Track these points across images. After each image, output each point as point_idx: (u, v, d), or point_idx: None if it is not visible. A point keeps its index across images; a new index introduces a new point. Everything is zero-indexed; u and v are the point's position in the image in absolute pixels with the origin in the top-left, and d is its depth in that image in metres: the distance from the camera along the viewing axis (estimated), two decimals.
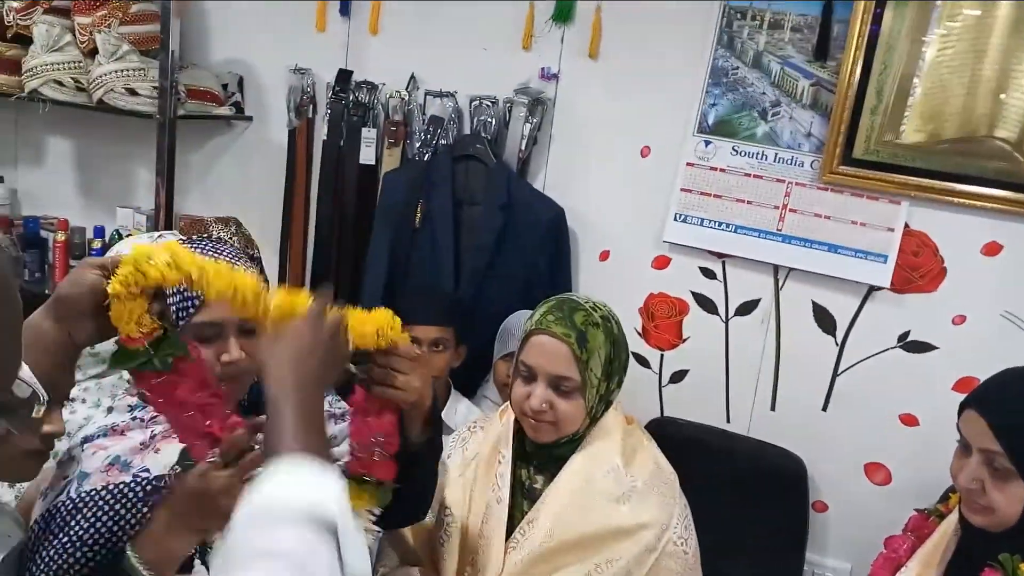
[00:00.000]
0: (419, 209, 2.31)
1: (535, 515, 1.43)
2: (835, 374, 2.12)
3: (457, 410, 2.10)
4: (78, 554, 1.07)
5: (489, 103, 2.32)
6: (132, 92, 2.39)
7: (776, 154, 2.10)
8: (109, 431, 1.16)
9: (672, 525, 1.43)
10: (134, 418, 1.18)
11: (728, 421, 2.24)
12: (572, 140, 2.31)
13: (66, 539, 1.07)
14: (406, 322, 2.03)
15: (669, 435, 2.21)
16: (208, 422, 1.05)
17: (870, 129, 1.99)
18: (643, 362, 2.30)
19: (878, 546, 1.54)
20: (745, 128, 2.13)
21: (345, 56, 2.50)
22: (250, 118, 2.69)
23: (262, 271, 2.19)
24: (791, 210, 2.10)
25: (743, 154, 2.13)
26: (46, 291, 2.84)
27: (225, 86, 2.63)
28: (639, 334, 2.29)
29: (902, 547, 1.48)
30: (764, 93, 2.10)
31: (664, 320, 2.27)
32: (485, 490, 1.48)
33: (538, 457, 1.49)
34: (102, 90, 2.39)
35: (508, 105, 2.31)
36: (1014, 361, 1.37)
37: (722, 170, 2.15)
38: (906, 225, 2.01)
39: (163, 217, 2.45)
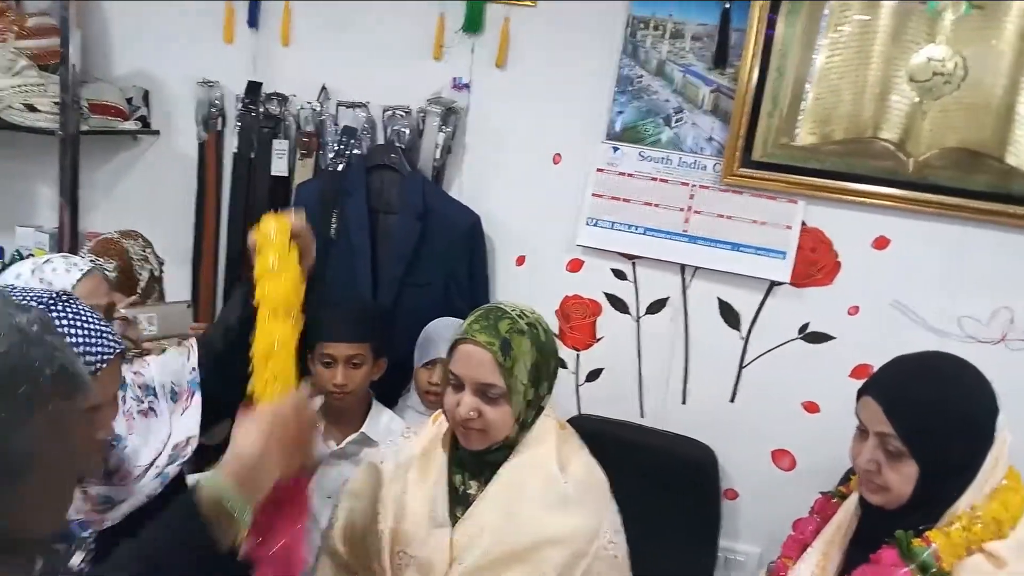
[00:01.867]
0: (334, 219, 2.32)
1: (470, 523, 1.45)
2: (741, 366, 2.22)
3: (380, 422, 2.10)
4: None
5: (403, 113, 2.34)
6: (31, 108, 2.32)
7: (680, 158, 2.19)
8: None
9: (602, 530, 1.46)
10: None
11: (642, 416, 2.31)
12: (486, 148, 2.35)
13: None
14: (321, 339, 2.05)
15: (586, 432, 2.23)
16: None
17: (767, 132, 2.09)
18: (561, 363, 2.35)
19: (787, 529, 1.62)
20: (651, 134, 2.21)
21: (254, 67, 2.48)
22: (157, 132, 2.63)
23: (159, 286, 2.16)
24: (696, 211, 2.19)
25: (649, 159, 2.21)
26: None
27: (130, 100, 2.57)
28: (556, 336, 2.34)
29: (808, 528, 1.55)
30: (668, 100, 2.18)
31: (579, 321, 2.33)
32: (418, 496, 1.51)
33: (471, 463, 1.51)
34: None
35: (421, 115, 2.33)
36: (905, 347, 1.44)
37: (630, 175, 2.23)
38: (803, 223, 2.12)
39: (67, 235, 2.39)
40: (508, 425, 1.45)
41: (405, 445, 1.60)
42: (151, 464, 1.21)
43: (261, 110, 2.43)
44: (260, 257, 1.27)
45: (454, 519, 1.48)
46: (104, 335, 1.06)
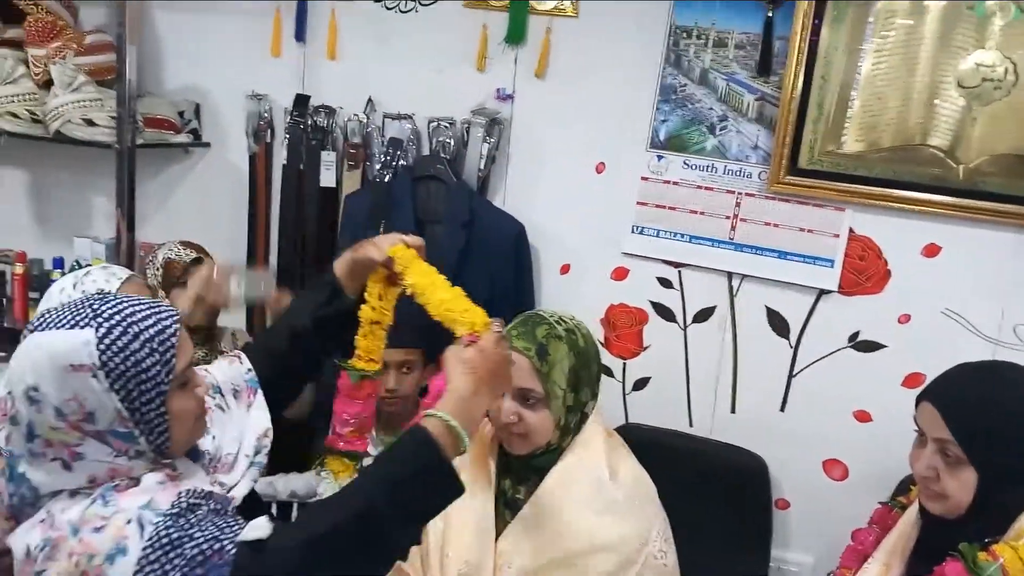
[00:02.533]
0: (382, 230, 2.35)
1: (517, 529, 1.47)
2: (791, 375, 2.21)
3: None
4: (221, 523, 1.07)
5: (447, 124, 2.37)
6: (89, 122, 2.39)
7: (725, 166, 2.19)
8: (115, 490, 1.12)
9: (652, 538, 1.46)
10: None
11: (691, 425, 2.31)
12: (530, 158, 2.37)
13: (200, 525, 1.06)
14: None
15: (634, 440, 2.24)
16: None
17: (813, 140, 2.08)
18: (606, 371, 2.36)
19: (840, 539, 1.61)
20: (695, 142, 2.21)
21: (302, 81, 2.53)
22: (208, 144, 2.70)
23: None
24: (742, 219, 2.19)
25: (694, 167, 2.22)
26: (4, 324, 2.81)
27: (181, 113, 2.64)
28: (602, 344, 2.35)
29: (868, 539, 1.53)
30: (712, 108, 2.19)
31: (625, 329, 2.34)
32: (466, 500, 1.52)
33: (518, 469, 1.53)
34: (59, 121, 2.38)
35: (466, 126, 2.36)
36: (958, 356, 1.45)
37: (675, 183, 2.24)
38: (851, 230, 2.11)
39: (124, 245, 2.45)
40: (549, 430, 1.47)
41: None
42: (238, 453, 1.28)
43: (309, 122, 2.48)
44: (411, 271, 1.40)
45: (502, 524, 1.50)
46: (158, 306, 1.14)
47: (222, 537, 1.05)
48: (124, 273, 1.56)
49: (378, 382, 1.58)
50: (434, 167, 2.34)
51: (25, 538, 1.09)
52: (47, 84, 2.45)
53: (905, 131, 2.03)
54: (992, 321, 2.03)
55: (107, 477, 1.10)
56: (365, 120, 2.45)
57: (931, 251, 2.07)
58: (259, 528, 1.05)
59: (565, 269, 2.39)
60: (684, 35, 2.19)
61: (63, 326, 1.08)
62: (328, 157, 2.47)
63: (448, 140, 2.37)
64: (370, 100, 2.46)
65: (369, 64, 2.47)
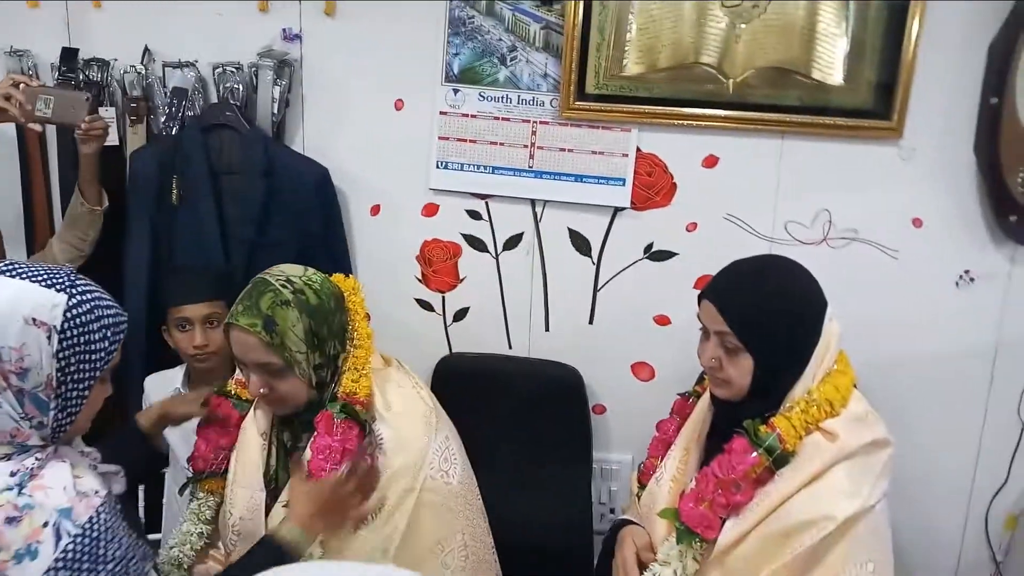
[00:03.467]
0: (175, 185, 2.25)
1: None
2: (595, 290, 2.34)
3: None
4: (131, 570, 1.15)
5: (234, 69, 2.27)
6: None
7: (519, 96, 2.25)
8: (32, 473, 1.15)
9: (427, 461, 1.50)
10: (37, 459, 1.17)
11: (510, 347, 2.41)
12: (325, 99, 2.33)
13: (110, 565, 1.12)
14: (174, 304, 2.04)
15: (459, 369, 2.37)
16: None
17: (597, 65, 2.17)
18: (426, 306, 2.41)
19: (652, 434, 1.76)
20: (488, 74, 2.25)
21: (68, 33, 2.33)
22: None
23: None
24: (539, 147, 2.27)
25: (489, 99, 2.26)
26: None
27: None
28: (419, 280, 2.39)
29: (670, 428, 1.69)
30: (500, 40, 2.22)
31: (441, 264, 2.38)
32: (248, 450, 1.59)
33: (295, 424, 1.57)
34: None
35: (254, 70, 2.27)
36: (740, 255, 1.58)
37: (473, 116, 2.27)
38: (638, 149, 2.23)
39: None
40: (303, 391, 1.48)
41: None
42: None
43: (81, 78, 2.29)
44: None
45: (285, 471, 1.55)
46: (115, 301, 1.24)
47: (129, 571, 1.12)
48: None
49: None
50: (223, 115, 2.24)
51: None
52: None
53: (680, 51, 2.15)
54: (767, 221, 2.23)
55: (7, 435, 1.14)
56: (144, 71, 2.30)
57: (710, 162, 2.24)
58: None
59: (375, 210, 2.39)
60: None
61: (39, 281, 1.13)
62: (107, 113, 2.31)
63: (236, 86, 2.27)
64: (147, 49, 2.31)
65: (142, 10, 2.30)
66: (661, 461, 1.63)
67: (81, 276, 1.20)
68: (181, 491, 1.74)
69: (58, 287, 1.14)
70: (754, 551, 1.40)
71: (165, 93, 2.30)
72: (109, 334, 1.18)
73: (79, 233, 2.18)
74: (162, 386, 2.11)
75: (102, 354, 1.17)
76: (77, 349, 1.14)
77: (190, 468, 1.67)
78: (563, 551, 2.27)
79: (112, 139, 2.31)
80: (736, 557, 1.41)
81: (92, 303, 1.17)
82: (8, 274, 1.15)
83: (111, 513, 1.15)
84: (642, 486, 1.65)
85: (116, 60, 2.31)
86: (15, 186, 2.42)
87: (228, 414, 1.64)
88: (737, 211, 2.24)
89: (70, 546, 1.08)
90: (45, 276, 1.15)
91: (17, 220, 2.42)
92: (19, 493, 1.10)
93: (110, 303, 1.21)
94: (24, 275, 1.15)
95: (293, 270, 1.53)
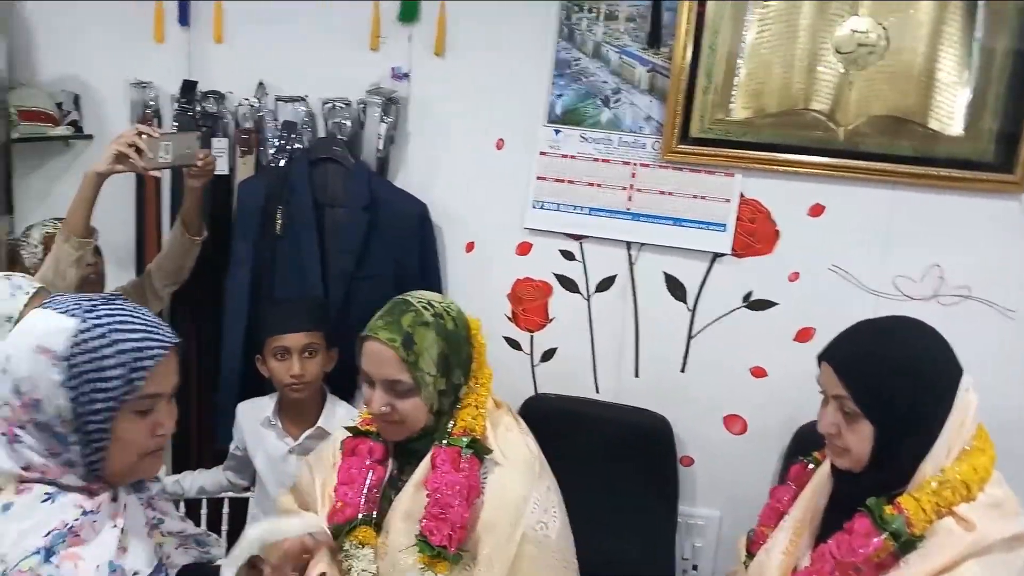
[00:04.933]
0: (279, 216, 2.31)
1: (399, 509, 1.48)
2: (689, 337, 2.28)
3: (336, 414, 2.12)
4: None
5: (343, 105, 2.34)
6: None
7: (620, 138, 2.24)
8: (69, 536, 1.04)
9: (527, 512, 1.45)
10: (85, 512, 1.07)
11: (597, 391, 2.36)
12: (429, 136, 2.37)
13: None
14: (273, 333, 2.07)
15: (544, 410, 2.33)
16: None
17: (703, 109, 2.15)
18: (514, 345, 2.39)
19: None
20: (590, 116, 2.25)
21: (188, 66, 2.45)
22: (90, 136, 2.58)
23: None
24: (637, 189, 2.24)
25: (590, 140, 2.26)
26: None
27: (60, 104, 2.52)
28: (509, 319, 2.38)
29: (784, 497, 1.55)
30: (605, 81, 2.23)
31: (531, 303, 2.37)
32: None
33: (400, 452, 1.55)
34: None
35: (362, 106, 2.34)
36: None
37: (572, 157, 2.27)
38: (741, 195, 2.19)
39: (3, 247, 2.33)
40: (423, 415, 1.47)
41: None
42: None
43: (198, 109, 2.40)
44: None
45: (388, 502, 1.50)
46: (159, 329, 1.12)
47: None
48: (31, 287, 1.48)
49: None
50: (331, 149, 2.31)
51: None
52: None
53: (789, 97, 2.11)
54: (874, 274, 2.15)
55: (39, 473, 1.06)
56: (257, 104, 2.39)
57: (816, 211, 2.17)
58: None
59: (470, 247, 2.40)
60: (576, 8, 2.22)
61: (59, 309, 1.08)
62: (219, 144, 2.40)
63: (344, 121, 2.34)
64: (261, 83, 2.40)
65: (258, 46, 2.40)
66: (772, 531, 1.53)
67: (118, 300, 1.12)
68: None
69: (72, 312, 1.06)
70: None
71: (276, 126, 2.38)
72: (128, 360, 1.06)
73: (176, 261, 2.23)
74: (253, 413, 2.15)
75: (119, 382, 1.05)
76: (88, 377, 1.04)
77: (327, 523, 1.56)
78: None
79: (222, 168, 2.40)
80: None
81: (107, 327, 1.06)
82: (44, 306, 1.10)
83: None
84: (750, 555, 1.56)
85: (231, 93, 2.41)
86: (130, 212, 2.53)
87: (371, 449, 1.56)
88: (843, 262, 2.16)
89: None
90: (70, 304, 1.08)
91: (129, 246, 2.53)
92: (45, 560, 1.00)
93: (138, 327, 1.09)
94: (52, 305, 1.09)
95: (433, 295, 1.55)
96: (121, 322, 1.08)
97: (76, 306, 1.08)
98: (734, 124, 2.15)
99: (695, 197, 2.21)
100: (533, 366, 2.40)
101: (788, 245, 2.19)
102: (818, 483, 1.50)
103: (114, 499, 1.10)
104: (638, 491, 2.23)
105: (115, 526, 1.08)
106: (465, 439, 1.45)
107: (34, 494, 1.05)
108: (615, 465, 2.23)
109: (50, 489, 1.06)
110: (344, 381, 2.21)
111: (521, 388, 2.39)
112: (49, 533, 1.02)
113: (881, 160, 2.08)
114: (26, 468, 1.06)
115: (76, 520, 1.04)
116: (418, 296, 1.52)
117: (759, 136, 2.14)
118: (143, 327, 1.10)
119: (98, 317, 1.07)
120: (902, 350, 1.36)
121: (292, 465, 2.03)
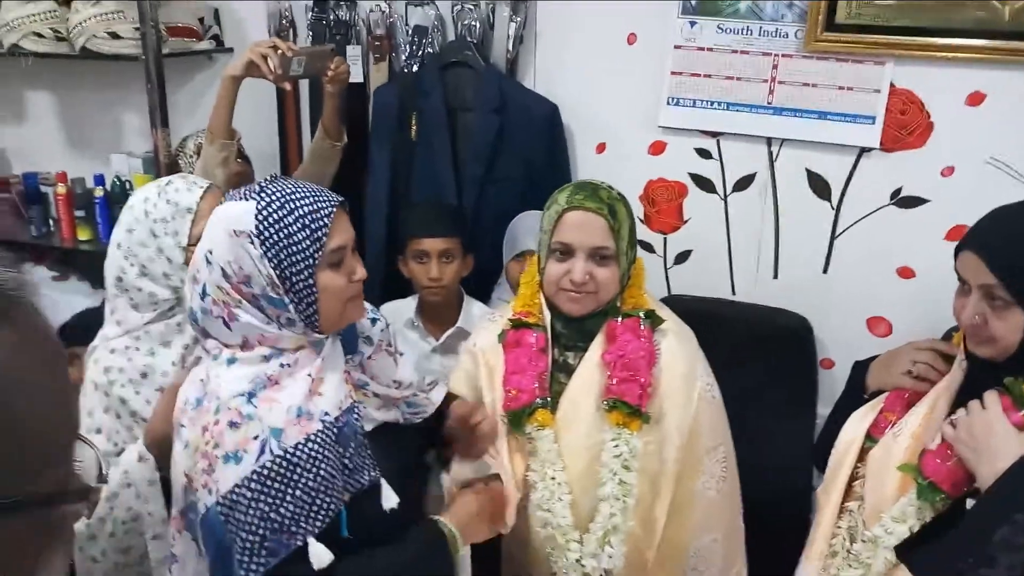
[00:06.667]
0: (414, 121, 2.34)
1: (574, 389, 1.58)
2: (833, 236, 2.20)
3: (473, 314, 2.18)
4: (318, 501, 1.18)
5: (472, 7, 2.32)
6: (114, 35, 2.38)
7: (761, 28, 2.13)
8: (268, 383, 1.22)
9: (700, 372, 1.61)
10: (282, 365, 1.24)
11: (733, 293, 2.33)
12: (558, 35, 2.32)
13: (299, 491, 1.17)
14: (415, 235, 2.13)
15: (678, 311, 2.28)
16: None
17: None
18: (647, 247, 2.37)
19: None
20: (728, 5, 2.15)
21: None
22: (231, 50, 2.67)
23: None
24: (779, 82, 2.14)
25: (728, 31, 2.16)
26: (54, 245, 2.88)
27: (201, 20, 2.61)
28: (641, 221, 2.36)
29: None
30: None
31: (665, 204, 2.34)
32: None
33: (568, 336, 1.61)
34: (84, 36, 2.37)
35: (491, 7, 2.31)
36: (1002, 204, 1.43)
37: (709, 49, 2.19)
38: (892, 84, 2.06)
39: (162, 157, 2.47)
40: (614, 287, 1.57)
41: (493, 328, 1.68)
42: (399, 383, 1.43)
43: (331, 17, 2.44)
44: None
45: (559, 385, 1.59)
46: (323, 192, 1.26)
47: (304, 525, 1.16)
48: (204, 183, 1.60)
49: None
50: (462, 53, 2.31)
51: (187, 390, 1.27)
52: (67, 1, 2.43)
53: None
54: None
55: (256, 342, 1.23)
56: (388, 9, 2.40)
57: (975, 99, 2.02)
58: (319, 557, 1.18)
59: (601, 148, 2.37)
60: None
61: (235, 199, 1.24)
62: (353, 51, 2.44)
63: (474, 23, 2.33)
64: None
65: None
66: (897, 416, 1.51)
67: (280, 180, 1.26)
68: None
69: (248, 197, 1.22)
70: None
71: (407, 31, 2.39)
72: (308, 222, 1.20)
73: (319, 168, 2.32)
74: (395, 315, 2.23)
75: (307, 243, 1.20)
76: (281, 244, 1.19)
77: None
78: (777, 503, 2.18)
79: (356, 76, 2.44)
80: None
81: (282, 200, 1.21)
82: (223, 202, 1.28)
83: (323, 444, 1.20)
84: (870, 439, 1.54)
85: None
86: (272, 123, 2.62)
87: (534, 340, 1.60)
88: (1003, 155, 2.02)
89: (268, 464, 1.15)
90: (244, 192, 1.24)
91: (273, 154, 2.64)
92: (247, 401, 1.19)
93: (306, 194, 1.23)
94: (229, 197, 1.27)
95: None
96: (291, 193, 1.22)
97: (249, 191, 1.24)
98: (885, 8, 2.01)
99: (841, 88, 2.09)
100: (666, 268, 2.39)
101: (942, 137, 2.05)
102: (950, 372, 1.47)
103: (317, 353, 1.26)
104: (777, 393, 2.20)
105: (309, 375, 1.24)
106: (641, 311, 1.57)
107: (254, 353, 1.24)
108: (753, 367, 2.19)
109: (265, 351, 1.24)
110: (475, 285, 2.27)
111: (654, 290, 2.36)
112: (254, 380, 1.21)
113: None
114: (243, 344, 1.24)
115: (275, 371, 1.23)
116: (597, 181, 1.61)
117: (913, 19, 1.99)
118: (310, 193, 1.24)
119: (271, 194, 1.22)
120: None
121: (436, 363, 2.12)
